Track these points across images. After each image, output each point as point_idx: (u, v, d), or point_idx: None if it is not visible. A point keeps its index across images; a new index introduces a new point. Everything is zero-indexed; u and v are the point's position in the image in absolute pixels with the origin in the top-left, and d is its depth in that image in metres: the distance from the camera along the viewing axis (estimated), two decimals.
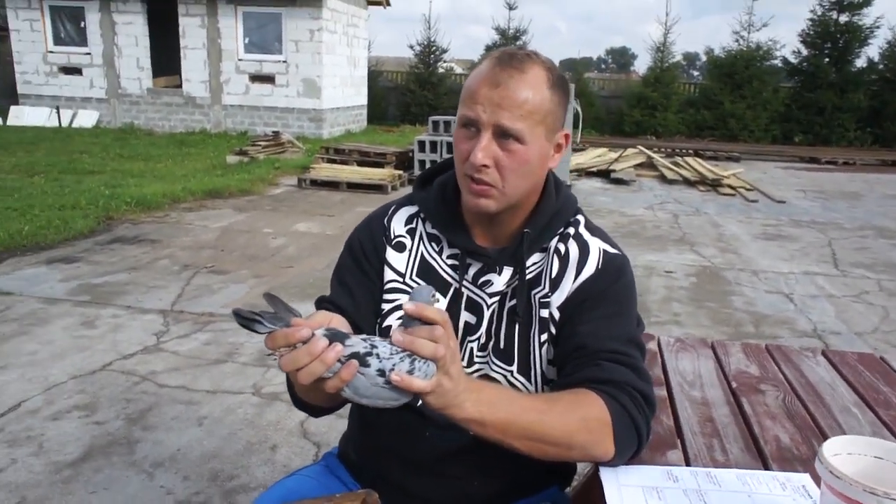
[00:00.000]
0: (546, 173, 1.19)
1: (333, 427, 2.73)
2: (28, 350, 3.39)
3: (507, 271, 1.17)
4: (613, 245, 1.20)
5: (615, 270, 1.16)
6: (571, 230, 1.19)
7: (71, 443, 2.56)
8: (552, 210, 1.19)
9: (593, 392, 1.04)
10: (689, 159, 12.08)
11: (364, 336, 0.90)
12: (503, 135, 1.07)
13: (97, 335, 3.62)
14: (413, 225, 1.24)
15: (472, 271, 1.18)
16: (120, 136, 13.17)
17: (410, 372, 0.86)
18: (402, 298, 1.19)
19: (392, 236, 1.23)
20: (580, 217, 1.22)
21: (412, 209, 1.25)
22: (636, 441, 1.05)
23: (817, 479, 0.91)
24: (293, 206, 7.51)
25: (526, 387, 1.15)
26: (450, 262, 1.20)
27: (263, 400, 2.96)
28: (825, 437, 1.18)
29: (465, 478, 1.19)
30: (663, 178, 10.69)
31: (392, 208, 1.27)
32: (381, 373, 0.86)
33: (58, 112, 14.58)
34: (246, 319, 0.86)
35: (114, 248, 5.41)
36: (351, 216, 6.98)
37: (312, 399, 1.12)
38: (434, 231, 1.22)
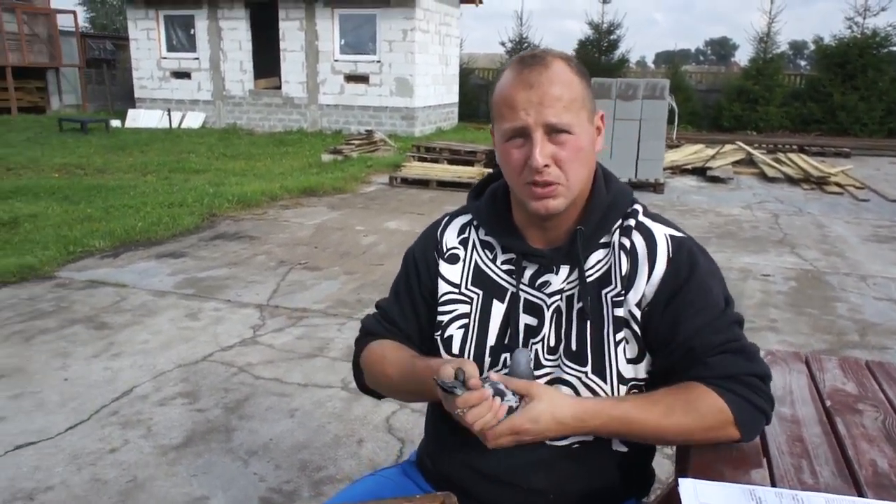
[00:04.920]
0: (595, 161, 1.20)
1: (417, 424, 2.79)
2: (140, 339, 3.66)
3: (564, 270, 1.18)
4: (677, 229, 1.20)
5: (687, 255, 1.15)
6: (632, 221, 1.18)
7: (175, 428, 2.74)
8: (604, 204, 1.19)
9: (707, 387, 1.10)
10: (793, 155, 11.45)
11: (496, 386, 1.09)
12: (553, 131, 1.09)
13: (200, 327, 3.85)
14: (466, 234, 1.28)
15: (527, 274, 1.20)
16: (223, 136, 13.88)
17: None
18: (460, 308, 1.24)
19: (444, 250, 1.27)
20: (638, 206, 1.22)
21: (465, 218, 1.30)
22: (763, 419, 1.12)
23: None
24: (384, 204, 7.69)
25: (601, 387, 1.15)
26: (504, 267, 1.22)
27: (351, 395, 3.06)
28: None
29: (539, 490, 1.19)
30: (763, 176, 10.19)
31: (445, 220, 1.32)
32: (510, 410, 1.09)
33: (168, 114, 15.53)
34: (447, 389, 1.06)
35: (216, 244, 5.72)
36: (440, 214, 7.01)
37: (389, 395, 1.35)
38: (487, 238, 1.25)
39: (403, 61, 14.23)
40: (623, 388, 1.15)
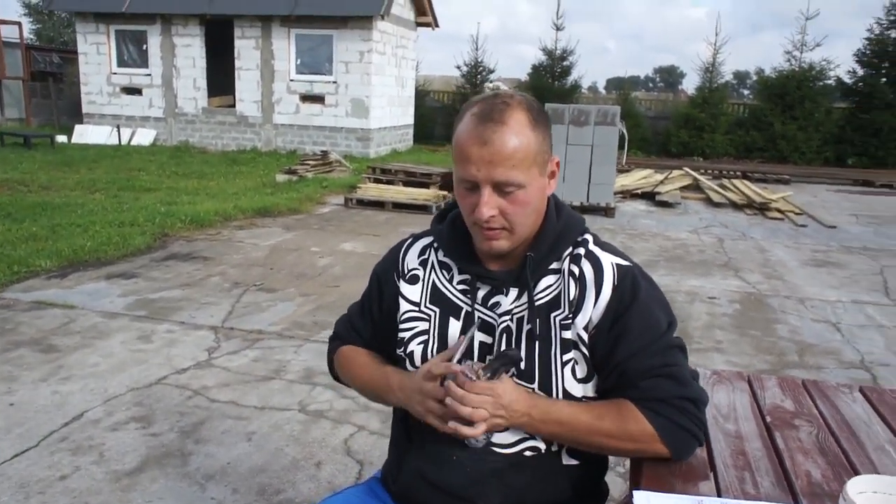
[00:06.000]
0: (545, 203, 1.27)
1: (376, 445, 2.81)
2: (91, 362, 3.58)
3: (513, 292, 1.26)
4: (625, 258, 1.27)
5: (630, 283, 1.23)
6: (582, 250, 1.26)
7: (129, 453, 2.70)
8: (555, 232, 1.26)
9: (636, 408, 1.17)
10: (737, 182, 11.91)
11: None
12: (502, 185, 1.16)
13: (153, 349, 3.79)
14: (426, 256, 1.36)
15: (480, 294, 1.28)
16: (175, 153, 13.66)
17: None
18: (420, 325, 1.32)
19: (405, 271, 1.36)
20: (588, 236, 1.29)
21: (427, 240, 1.38)
22: (693, 440, 1.20)
23: None
24: (340, 225, 7.69)
25: None
26: (460, 287, 1.30)
27: (309, 417, 3.06)
28: (857, 475, 1.21)
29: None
30: (710, 201, 10.56)
31: (409, 241, 1.41)
32: None
33: (118, 130, 15.21)
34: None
35: (169, 265, 5.63)
36: (396, 236, 7.08)
37: (359, 392, 1.46)
38: (445, 259, 1.33)
39: (360, 82, 14.31)
40: None
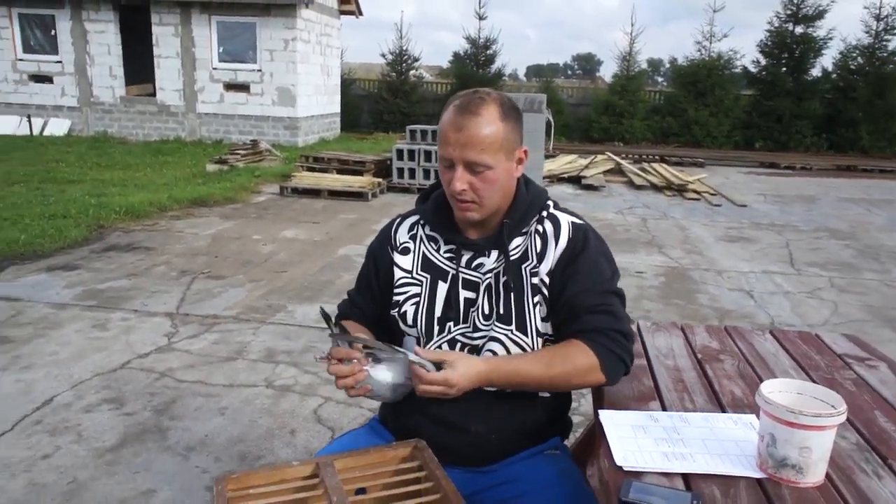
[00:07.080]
0: (515, 181, 1.53)
1: (345, 414, 3.02)
2: (49, 351, 3.61)
3: (494, 254, 1.52)
4: (579, 218, 1.57)
5: (582, 236, 1.51)
6: (545, 213, 1.55)
7: (107, 431, 2.80)
8: (525, 204, 1.54)
9: (581, 341, 1.41)
10: (656, 165, 12.57)
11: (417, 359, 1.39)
12: (473, 165, 1.42)
13: (111, 336, 3.85)
14: (414, 231, 1.61)
15: (464, 259, 1.53)
16: (94, 144, 13.20)
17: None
18: (413, 290, 1.55)
19: (398, 244, 1.60)
20: (550, 202, 1.58)
21: (414, 218, 1.63)
22: (623, 366, 1.41)
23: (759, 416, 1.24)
24: (278, 213, 7.75)
25: (524, 340, 1.47)
26: (446, 255, 1.55)
27: (277, 392, 3.23)
28: None
29: (481, 433, 1.49)
30: (631, 184, 11.14)
31: (398, 220, 1.66)
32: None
33: (29, 120, 14.54)
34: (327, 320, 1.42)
35: (110, 256, 5.60)
36: (335, 223, 7.24)
37: None
38: (432, 233, 1.58)
39: (285, 71, 14.19)
40: (540, 341, 1.48)
